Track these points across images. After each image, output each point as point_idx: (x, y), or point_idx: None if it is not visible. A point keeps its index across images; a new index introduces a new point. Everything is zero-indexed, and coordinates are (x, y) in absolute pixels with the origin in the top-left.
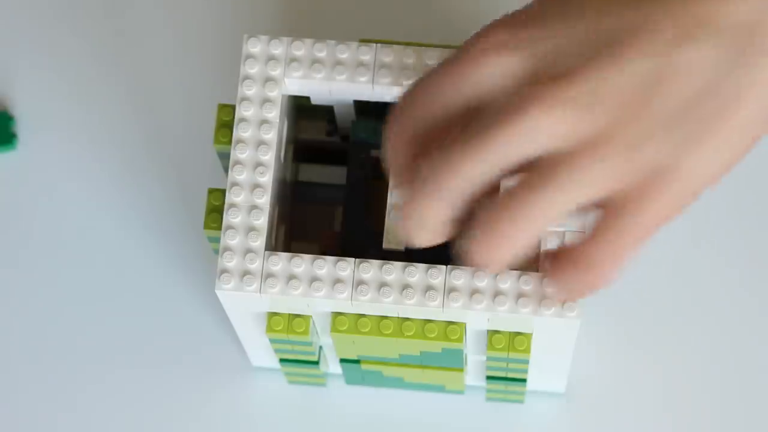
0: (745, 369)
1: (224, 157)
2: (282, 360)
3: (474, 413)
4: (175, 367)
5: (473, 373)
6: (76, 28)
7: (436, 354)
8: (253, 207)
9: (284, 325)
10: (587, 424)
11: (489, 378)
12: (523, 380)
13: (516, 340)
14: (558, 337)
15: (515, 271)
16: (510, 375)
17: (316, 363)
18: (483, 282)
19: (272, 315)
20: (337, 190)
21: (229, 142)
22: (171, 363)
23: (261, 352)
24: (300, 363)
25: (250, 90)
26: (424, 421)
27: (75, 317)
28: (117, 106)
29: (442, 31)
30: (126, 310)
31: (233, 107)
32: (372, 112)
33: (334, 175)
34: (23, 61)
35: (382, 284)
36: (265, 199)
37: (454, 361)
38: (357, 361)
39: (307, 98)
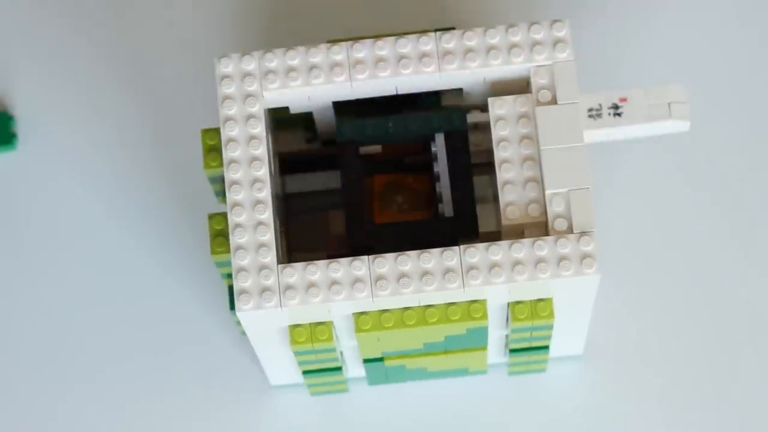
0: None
1: (215, 181)
2: (305, 372)
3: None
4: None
5: (494, 350)
6: (77, 28)
7: (460, 336)
8: (258, 224)
9: (307, 335)
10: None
11: (512, 351)
12: (546, 347)
13: (538, 307)
14: (578, 297)
15: (528, 239)
16: (533, 344)
17: (340, 369)
18: (498, 255)
19: (294, 327)
20: (327, 195)
21: (220, 165)
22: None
23: (281, 369)
24: (323, 372)
25: (231, 110)
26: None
27: (75, 320)
28: (117, 106)
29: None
30: (128, 318)
31: (217, 130)
32: (352, 109)
33: (320, 181)
34: (23, 61)
35: (401, 275)
36: (267, 214)
37: (478, 340)
38: (381, 359)
39: (281, 110)
